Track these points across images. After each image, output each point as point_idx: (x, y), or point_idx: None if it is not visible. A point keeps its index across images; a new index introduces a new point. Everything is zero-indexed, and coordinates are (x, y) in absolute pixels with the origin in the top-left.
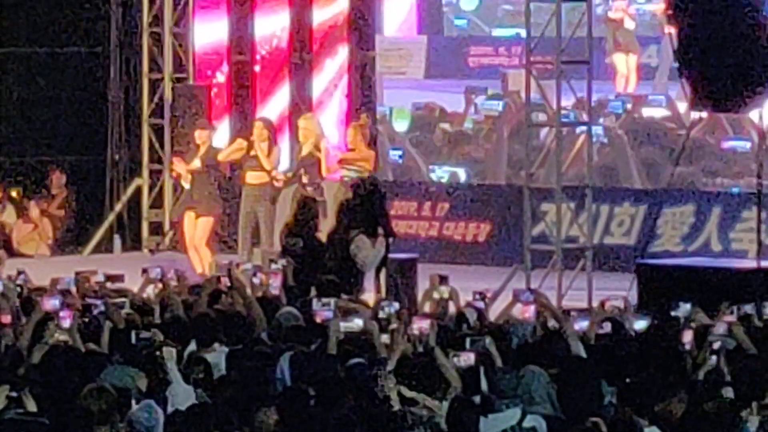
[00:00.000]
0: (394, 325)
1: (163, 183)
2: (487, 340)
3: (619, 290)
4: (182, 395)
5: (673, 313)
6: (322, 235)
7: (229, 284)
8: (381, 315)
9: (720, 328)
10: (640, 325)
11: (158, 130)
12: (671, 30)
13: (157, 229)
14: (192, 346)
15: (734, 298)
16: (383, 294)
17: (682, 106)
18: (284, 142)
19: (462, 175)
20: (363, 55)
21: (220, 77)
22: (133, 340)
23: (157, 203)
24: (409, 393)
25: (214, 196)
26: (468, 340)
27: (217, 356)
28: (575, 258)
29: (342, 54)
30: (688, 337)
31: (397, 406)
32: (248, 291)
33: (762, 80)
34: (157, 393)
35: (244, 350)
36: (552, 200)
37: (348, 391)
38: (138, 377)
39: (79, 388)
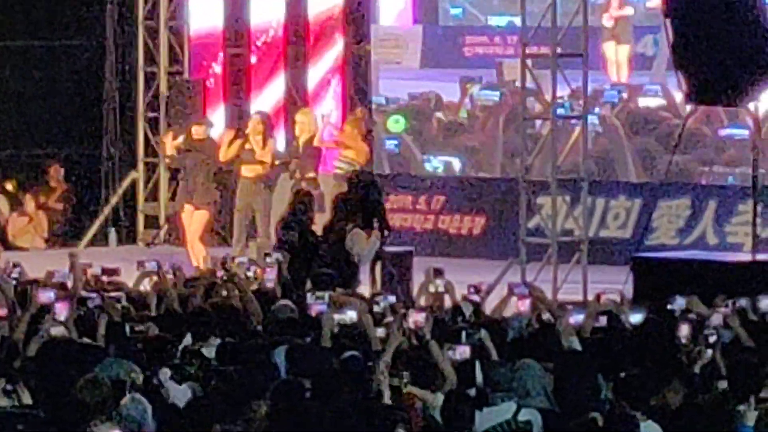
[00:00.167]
0: (389, 319)
1: (158, 176)
2: (483, 333)
3: (614, 283)
4: (179, 395)
5: (669, 307)
6: (318, 229)
7: (225, 277)
8: (376, 308)
9: (716, 320)
10: (636, 318)
11: (153, 124)
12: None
13: (152, 222)
14: (187, 340)
15: (730, 292)
16: (378, 287)
17: (678, 96)
18: (279, 135)
19: (457, 164)
20: (358, 47)
21: (216, 68)
22: (128, 332)
23: (152, 196)
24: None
25: (210, 189)
26: (464, 333)
27: (213, 350)
28: (571, 251)
29: (338, 46)
30: (684, 330)
31: (389, 400)
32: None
33: (759, 73)
34: (152, 386)
35: (239, 343)
36: (547, 193)
37: (342, 383)
38: (133, 371)
39: (74, 381)
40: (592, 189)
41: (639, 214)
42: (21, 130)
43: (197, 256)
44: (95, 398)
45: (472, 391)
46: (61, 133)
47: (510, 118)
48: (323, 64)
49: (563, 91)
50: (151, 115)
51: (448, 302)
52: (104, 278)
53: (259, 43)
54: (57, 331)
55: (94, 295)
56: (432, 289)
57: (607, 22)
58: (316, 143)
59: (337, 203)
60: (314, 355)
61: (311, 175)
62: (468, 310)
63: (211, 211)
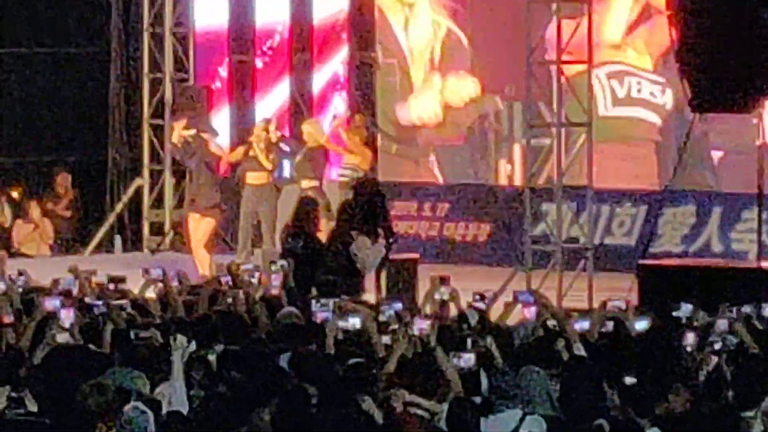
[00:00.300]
0: (394, 326)
1: (163, 183)
2: (489, 340)
3: (619, 291)
4: (176, 392)
5: (674, 314)
6: (323, 236)
7: (230, 284)
8: (381, 316)
9: (721, 326)
10: (641, 325)
11: (159, 130)
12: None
13: (157, 229)
14: (192, 347)
15: (735, 299)
16: (384, 294)
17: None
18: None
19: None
20: (363, 54)
21: (222, 72)
22: (133, 339)
23: (157, 203)
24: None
25: (212, 192)
26: (469, 340)
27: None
28: (576, 258)
29: (342, 53)
30: (689, 338)
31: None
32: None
33: (765, 79)
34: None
35: (243, 350)
36: (552, 200)
37: (347, 390)
38: (139, 379)
39: (80, 388)
40: (597, 196)
41: (644, 222)
42: (26, 137)
43: (202, 263)
44: (100, 405)
45: (478, 399)
46: (67, 140)
47: None
48: (328, 71)
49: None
50: (156, 121)
51: (453, 310)
52: (110, 286)
53: (264, 48)
54: (62, 338)
55: (99, 302)
56: (437, 296)
57: None
58: (323, 142)
59: (342, 211)
60: (318, 363)
61: (316, 183)
62: (473, 318)
63: (217, 218)
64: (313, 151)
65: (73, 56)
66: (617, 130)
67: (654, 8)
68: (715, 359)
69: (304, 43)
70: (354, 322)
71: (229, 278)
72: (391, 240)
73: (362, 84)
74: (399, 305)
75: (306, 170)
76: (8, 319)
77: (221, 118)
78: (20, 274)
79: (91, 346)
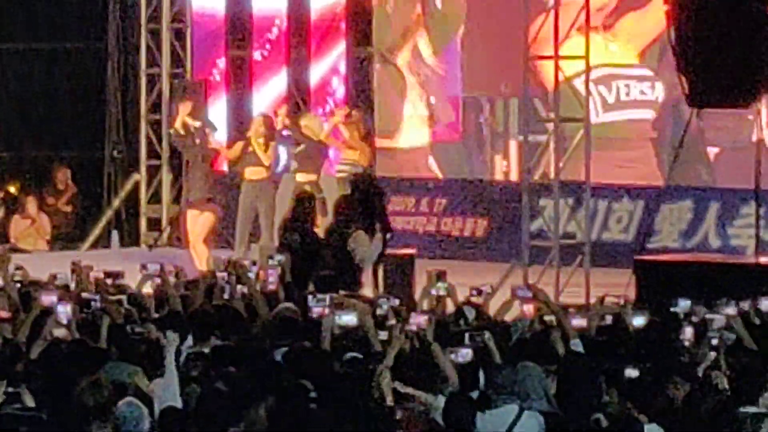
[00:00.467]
0: (391, 321)
1: (161, 178)
2: (486, 335)
3: (616, 286)
4: (168, 388)
5: (672, 310)
6: (320, 231)
7: (225, 279)
8: (378, 311)
9: (719, 322)
10: (639, 321)
11: (156, 126)
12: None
13: (155, 224)
14: (189, 342)
15: (733, 294)
16: (381, 290)
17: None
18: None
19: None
20: (360, 49)
21: (220, 64)
22: (130, 334)
23: (154, 199)
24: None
25: (207, 186)
26: (466, 335)
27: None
28: (573, 254)
29: (340, 46)
30: (687, 333)
31: (391, 402)
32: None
33: (763, 74)
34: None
35: (240, 345)
36: (550, 196)
37: (343, 386)
38: (136, 374)
39: (77, 383)
40: (594, 192)
41: (641, 217)
42: (23, 132)
43: (200, 258)
44: (97, 401)
45: (475, 394)
46: (64, 135)
47: None
48: (325, 65)
49: None
50: (153, 117)
51: (450, 305)
52: (107, 281)
53: (262, 41)
54: (59, 333)
55: (96, 297)
56: (434, 291)
57: None
58: (323, 137)
59: (340, 206)
60: (314, 358)
61: (314, 177)
62: (470, 313)
63: (216, 213)
64: (312, 145)
65: (70, 52)
66: (611, 136)
67: None
68: (713, 354)
69: (301, 36)
70: (349, 320)
71: (225, 273)
72: (388, 235)
73: (360, 78)
74: (395, 300)
75: (304, 164)
76: (5, 314)
77: (218, 111)
78: (17, 268)
79: (88, 341)
